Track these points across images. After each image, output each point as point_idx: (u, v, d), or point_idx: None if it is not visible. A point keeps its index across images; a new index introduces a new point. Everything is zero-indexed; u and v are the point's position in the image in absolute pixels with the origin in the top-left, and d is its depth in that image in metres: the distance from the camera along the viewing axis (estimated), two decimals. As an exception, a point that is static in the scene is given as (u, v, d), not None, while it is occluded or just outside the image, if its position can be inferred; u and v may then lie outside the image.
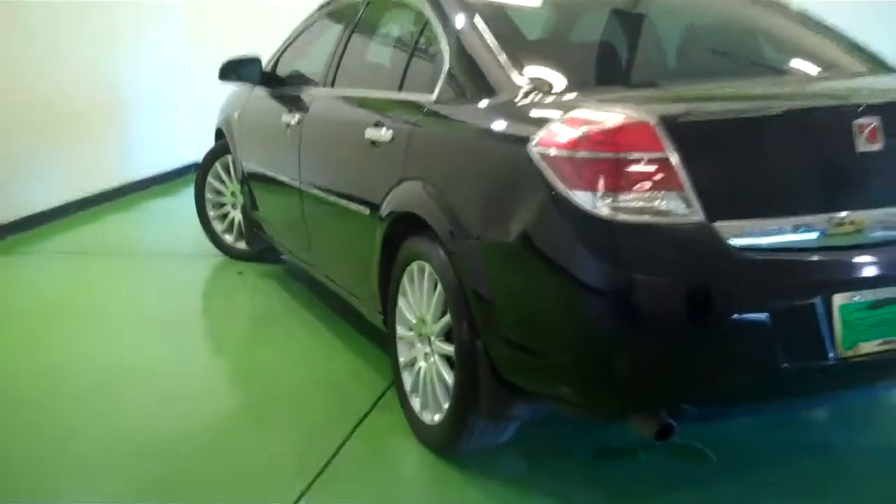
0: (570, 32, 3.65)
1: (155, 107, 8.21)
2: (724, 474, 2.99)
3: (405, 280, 3.19)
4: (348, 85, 3.95)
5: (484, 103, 2.93)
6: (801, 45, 3.51)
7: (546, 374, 2.68)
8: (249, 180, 4.97)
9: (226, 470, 3.06)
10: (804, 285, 2.50)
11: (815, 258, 2.53)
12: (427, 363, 3.10)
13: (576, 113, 2.57)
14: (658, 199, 2.44)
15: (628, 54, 3.38)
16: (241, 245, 5.47)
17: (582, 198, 2.46)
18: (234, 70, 4.68)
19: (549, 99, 2.79)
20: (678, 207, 2.44)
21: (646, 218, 2.43)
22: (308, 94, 4.24)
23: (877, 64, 3.39)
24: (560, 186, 2.49)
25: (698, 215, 2.44)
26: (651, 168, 2.44)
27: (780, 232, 2.50)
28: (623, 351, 2.49)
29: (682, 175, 2.44)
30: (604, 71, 3.20)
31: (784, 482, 2.95)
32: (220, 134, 5.46)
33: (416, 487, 3.05)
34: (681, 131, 2.48)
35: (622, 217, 2.43)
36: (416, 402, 3.18)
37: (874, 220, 2.58)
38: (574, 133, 2.51)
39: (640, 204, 2.44)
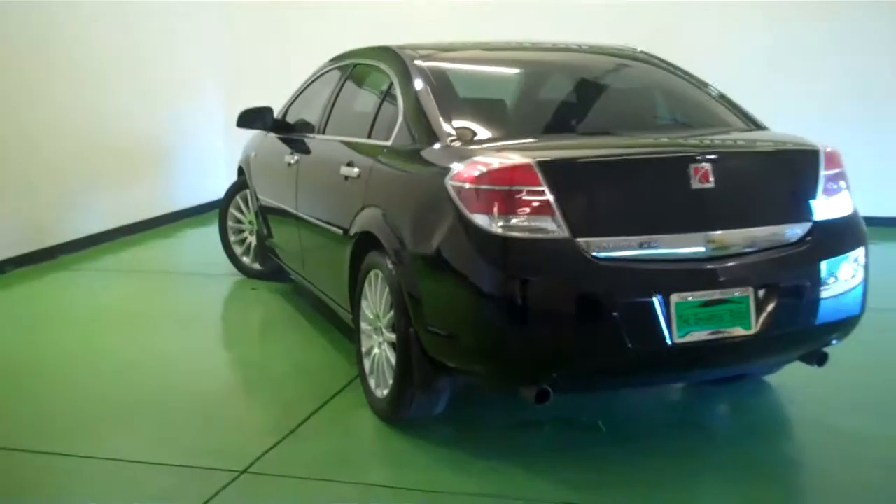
0: (493, 94, 4.55)
1: (195, 148, 9.23)
2: (613, 443, 3.80)
3: (366, 285, 4.06)
4: (334, 132, 4.88)
5: (422, 148, 3.83)
6: (684, 105, 4.37)
7: (458, 353, 3.53)
8: (262, 210, 5.91)
9: (216, 425, 3.99)
10: (646, 286, 3.33)
11: (657, 266, 3.37)
12: (379, 349, 3.96)
13: (480, 157, 3.46)
14: (536, 220, 3.30)
15: (534, 112, 4.29)
16: (257, 265, 6.41)
17: (481, 219, 3.33)
18: (249, 118, 5.63)
19: (467, 146, 3.67)
20: (550, 226, 3.30)
21: (527, 234, 3.30)
22: (306, 139, 5.18)
23: (749, 122, 4.21)
24: (466, 211, 3.37)
25: (565, 233, 3.29)
26: (531, 198, 3.31)
27: (629, 247, 3.34)
28: (510, 335, 3.34)
29: (554, 203, 3.30)
30: (512, 125, 4.09)
31: (665, 451, 3.72)
32: (241, 171, 6.42)
33: (366, 446, 3.89)
34: (554, 171, 3.35)
35: (510, 234, 3.30)
36: (371, 382, 4.04)
37: (705, 239, 3.42)
38: (477, 171, 3.39)
39: (523, 224, 3.30)
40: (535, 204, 3.31)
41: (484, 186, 3.36)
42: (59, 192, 7.34)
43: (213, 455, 3.63)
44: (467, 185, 3.40)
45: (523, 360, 3.40)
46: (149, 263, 7.42)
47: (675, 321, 3.33)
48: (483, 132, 3.88)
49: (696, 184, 3.43)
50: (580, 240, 3.30)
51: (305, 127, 5.33)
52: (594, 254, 3.30)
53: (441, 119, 3.85)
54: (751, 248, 3.51)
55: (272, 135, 5.75)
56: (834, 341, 3.79)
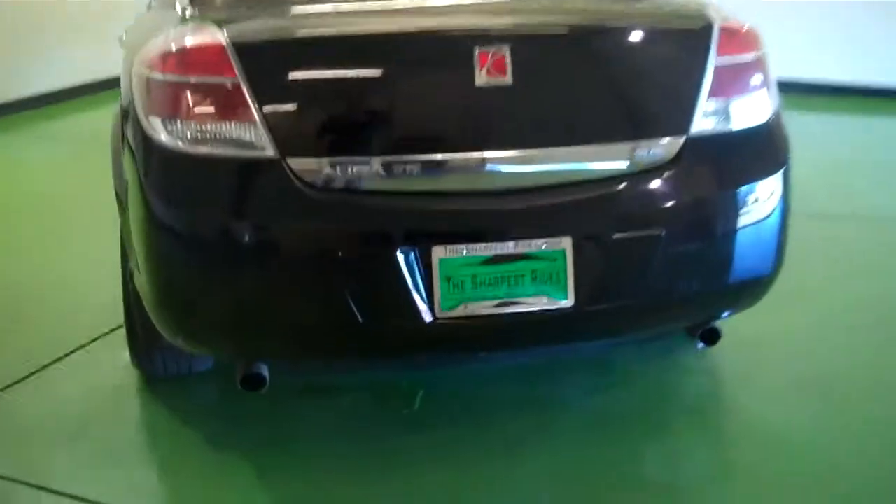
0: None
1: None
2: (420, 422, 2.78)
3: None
4: None
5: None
6: None
7: (150, 307, 2.48)
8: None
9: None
10: (391, 233, 2.22)
11: (410, 204, 2.23)
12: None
13: (168, 33, 2.34)
14: (224, 129, 2.21)
15: None
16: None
17: (156, 125, 2.26)
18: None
19: (196, 16, 2.49)
20: (247, 139, 2.20)
21: (208, 150, 2.21)
22: None
23: None
24: (142, 114, 2.30)
25: (269, 150, 2.19)
26: (219, 96, 2.21)
27: (367, 174, 2.21)
28: (188, 292, 2.33)
29: (255, 105, 2.18)
30: None
31: (482, 433, 2.69)
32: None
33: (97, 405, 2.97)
34: (259, 57, 2.23)
35: (185, 150, 2.22)
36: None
37: (494, 163, 2.24)
38: (156, 54, 2.29)
39: (205, 135, 2.21)
40: (225, 105, 2.21)
41: (162, 76, 2.27)
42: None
43: None
44: (146, 74, 2.31)
45: (208, 329, 2.37)
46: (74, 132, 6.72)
47: (440, 287, 2.21)
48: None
49: (482, 78, 2.20)
50: (292, 160, 2.18)
51: None
52: (311, 182, 2.18)
53: None
54: (573, 179, 2.30)
55: None
56: (725, 314, 2.57)
